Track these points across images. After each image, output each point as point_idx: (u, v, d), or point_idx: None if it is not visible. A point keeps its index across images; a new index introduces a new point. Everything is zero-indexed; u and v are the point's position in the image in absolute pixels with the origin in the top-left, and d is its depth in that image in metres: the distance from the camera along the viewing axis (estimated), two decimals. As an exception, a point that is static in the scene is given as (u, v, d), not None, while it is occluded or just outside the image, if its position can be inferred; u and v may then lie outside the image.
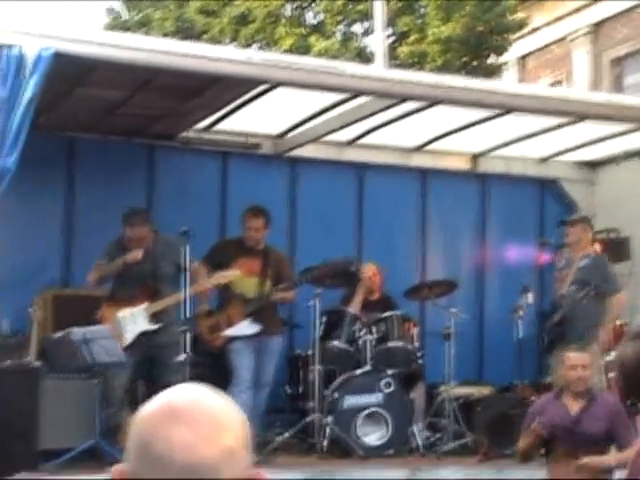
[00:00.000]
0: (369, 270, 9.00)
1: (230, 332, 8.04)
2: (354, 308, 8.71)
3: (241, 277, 7.99)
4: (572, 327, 8.39)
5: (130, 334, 7.43)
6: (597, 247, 9.40)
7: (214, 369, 7.98)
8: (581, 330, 8.35)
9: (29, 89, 6.19)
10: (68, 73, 6.92)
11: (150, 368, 7.63)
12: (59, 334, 7.19)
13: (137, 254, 7.56)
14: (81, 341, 6.93)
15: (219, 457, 1.40)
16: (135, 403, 7.62)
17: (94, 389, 6.97)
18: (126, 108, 8.18)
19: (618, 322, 9.02)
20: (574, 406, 5.93)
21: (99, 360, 6.96)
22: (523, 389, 8.88)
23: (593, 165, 10.67)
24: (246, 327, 8.04)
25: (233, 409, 1.47)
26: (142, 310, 7.55)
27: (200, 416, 1.41)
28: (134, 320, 7.51)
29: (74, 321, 7.27)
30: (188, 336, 7.28)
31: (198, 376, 7.26)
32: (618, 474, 6.75)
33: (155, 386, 7.44)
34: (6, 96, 6.17)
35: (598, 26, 22.03)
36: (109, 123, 8.57)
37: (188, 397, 1.46)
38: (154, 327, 7.54)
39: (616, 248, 9.66)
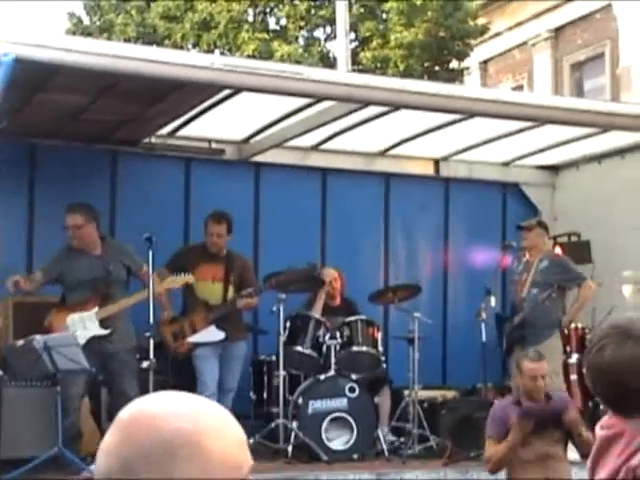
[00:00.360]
0: (330, 275, 8.99)
1: (195, 339, 8.01)
2: (316, 313, 8.69)
3: (196, 282, 7.96)
4: (533, 329, 8.45)
5: (80, 339, 7.33)
6: (558, 250, 9.46)
7: (177, 375, 7.94)
8: (541, 331, 8.42)
9: (-11, 95, 6.13)
10: (29, 78, 6.84)
11: (105, 376, 7.53)
12: (20, 342, 7.10)
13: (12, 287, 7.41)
14: (43, 348, 6.85)
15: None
16: (98, 412, 7.57)
17: (56, 397, 6.89)
18: (89, 114, 8.11)
19: (580, 325, 9.08)
20: None
21: (61, 367, 6.89)
22: (487, 392, 8.90)
23: (554, 169, 10.74)
24: (211, 334, 8.01)
25: (219, 409, 1.52)
26: (92, 314, 7.47)
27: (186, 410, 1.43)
28: (84, 325, 7.42)
29: (35, 329, 7.19)
30: (152, 342, 7.23)
31: (161, 382, 7.25)
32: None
33: (113, 394, 7.39)
34: (-35, 102, 6.10)
35: (559, 31, 22.23)
36: (71, 129, 8.49)
37: (174, 401, 1.46)
38: (105, 332, 7.44)
39: (577, 251, 9.72)
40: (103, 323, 7.47)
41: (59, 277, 7.62)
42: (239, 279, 8.23)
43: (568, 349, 8.98)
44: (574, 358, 8.85)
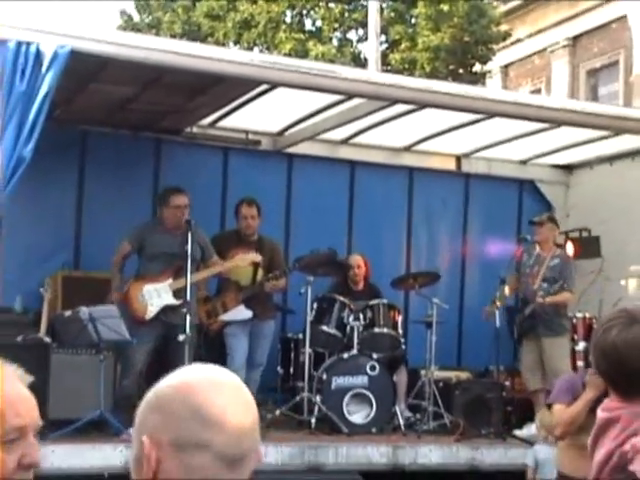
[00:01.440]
0: (355, 260, 9.00)
1: (225, 317, 8.07)
2: (354, 297, 8.70)
3: (246, 263, 7.99)
4: (543, 320, 8.39)
5: (154, 307, 7.40)
6: (570, 245, 9.42)
7: (210, 349, 7.98)
8: (551, 323, 8.37)
9: (45, 84, 6.17)
10: (82, 69, 6.89)
11: (165, 345, 7.55)
12: (68, 312, 7.18)
13: (114, 300, 7.48)
14: (88, 319, 6.92)
15: (254, 423, 1.50)
16: (150, 378, 7.62)
17: (99, 364, 6.95)
18: (136, 104, 8.15)
19: (587, 315, 9.02)
20: None
21: (104, 337, 6.95)
22: (499, 374, 8.89)
23: (568, 168, 10.68)
24: (240, 313, 8.06)
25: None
26: (166, 285, 7.52)
27: (237, 389, 1.51)
28: (159, 294, 7.48)
29: (82, 301, 7.26)
30: (188, 318, 7.26)
31: (196, 355, 7.31)
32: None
33: (169, 363, 7.42)
34: (24, 90, 6.14)
35: (576, 39, 22.06)
36: (119, 118, 8.54)
37: (215, 371, 1.53)
38: (177, 302, 7.44)
39: (587, 246, 9.68)
40: (176, 295, 7.49)
41: (140, 247, 7.65)
42: (269, 262, 8.25)
43: (575, 337, 8.93)
44: (581, 346, 8.79)
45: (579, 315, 8.95)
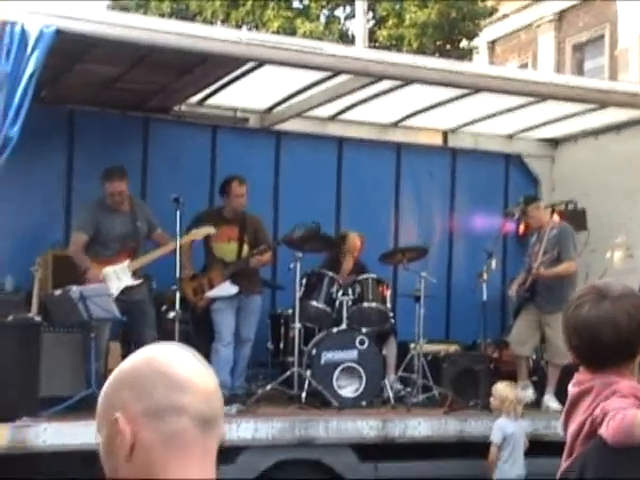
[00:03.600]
0: (356, 239, 8.99)
1: (211, 294, 8.05)
2: (343, 274, 8.68)
3: (214, 243, 8.01)
4: (546, 294, 8.30)
5: (114, 289, 7.37)
6: (556, 217, 9.40)
7: (198, 325, 7.98)
8: (556, 295, 8.15)
9: (31, 64, 6.09)
10: (69, 49, 6.81)
11: (129, 323, 7.56)
12: (58, 292, 7.14)
13: (97, 275, 7.43)
14: (78, 298, 6.89)
15: (218, 389, 1.53)
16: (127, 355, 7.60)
17: (90, 342, 6.93)
18: (123, 83, 8.08)
19: None
20: None
21: (95, 316, 6.92)
22: (486, 347, 8.91)
23: (554, 142, 10.65)
24: (226, 288, 8.04)
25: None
26: (125, 267, 7.50)
27: (197, 359, 1.53)
28: (117, 276, 7.45)
29: (72, 280, 7.23)
30: (178, 295, 7.26)
31: (184, 332, 7.30)
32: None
33: (137, 339, 7.43)
34: (9, 70, 6.06)
35: (562, 14, 22.00)
36: (107, 97, 8.47)
37: (175, 347, 1.55)
38: (137, 282, 7.49)
39: (573, 219, 9.66)
40: (133, 275, 7.51)
41: (95, 233, 7.62)
42: (253, 238, 8.25)
43: None
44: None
45: None
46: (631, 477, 2.07)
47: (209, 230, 7.87)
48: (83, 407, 6.59)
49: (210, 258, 8.20)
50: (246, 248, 8.20)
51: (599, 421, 2.28)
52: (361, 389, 7.96)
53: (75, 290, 6.92)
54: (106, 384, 1.52)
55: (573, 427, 2.44)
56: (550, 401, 8.13)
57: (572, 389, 2.51)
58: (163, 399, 1.45)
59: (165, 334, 7.21)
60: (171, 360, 1.49)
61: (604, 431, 2.21)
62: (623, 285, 2.54)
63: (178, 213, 7.35)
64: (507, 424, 7.05)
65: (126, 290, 7.45)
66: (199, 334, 7.70)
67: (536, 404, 8.14)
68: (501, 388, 7.26)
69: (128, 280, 7.47)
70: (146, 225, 7.72)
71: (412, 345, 8.55)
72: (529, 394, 7.93)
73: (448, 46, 18.74)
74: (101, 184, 7.64)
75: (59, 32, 6.18)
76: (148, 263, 7.64)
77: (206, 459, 1.48)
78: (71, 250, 7.64)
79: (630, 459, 2.10)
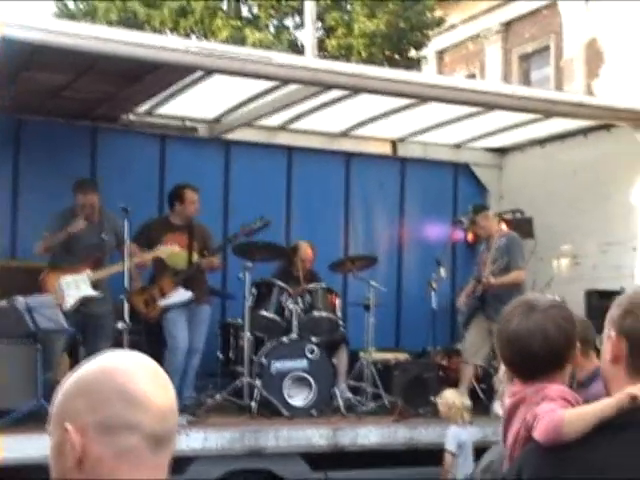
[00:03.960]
0: (307, 249, 8.99)
1: (165, 302, 7.97)
2: (295, 284, 8.64)
3: (176, 252, 7.94)
4: (495, 304, 8.36)
5: (72, 298, 7.29)
6: (504, 226, 9.49)
7: (149, 336, 7.91)
8: (502, 305, 8.25)
9: (-24, 72, 6.02)
10: (14, 58, 6.72)
11: (84, 335, 7.48)
12: (3, 303, 7.04)
13: (81, 224, 7.44)
14: (25, 309, 6.79)
15: (174, 406, 1.51)
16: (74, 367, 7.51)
17: (37, 354, 6.84)
18: (70, 92, 8.00)
19: (557, 298, 8.99)
20: None
21: (42, 327, 6.83)
22: (436, 355, 8.96)
23: (501, 151, 10.76)
24: (180, 295, 7.99)
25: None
26: (85, 277, 7.42)
27: (155, 372, 1.51)
28: (77, 285, 7.37)
29: (19, 291, 7.12)
30: (126, 306, 7.20)
31: (134, 342, 7.22)
32: None
33: (89, 352, 7.35)
34: (-47, 78, 5.99)
35: (508, 25, 22.25)
36: (54, 106, 8.38)
37: (133, 356, 1.53)
38: (95, 293, 7.42)
39: (521, 227, 9.75)
40: (93, 286, 7.43)
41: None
42: (201, 245, 8.22)
43: None
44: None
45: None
46: (566, 477, 2.12)
47: (174, 249, 7.83)
48: (31, 419, 6.50)
49: (159, 267, 8.12)
50: (195, 256, 8.16)
51: (531, 425, 2.35)
52: (311, 398, 7.96)
53: (21, 301, 6.83)
54: (63, 388, 1.50)
55: (510, 437, 2.52)
56: (498, 408, 8.19)
57: (507, 400, 2.60)
58: (116, 416, 1.43)
59: (114, 346, 7.14)
60: (130, 373, 1.47)
61: (535, 433, 2.28)
62: (551, 298, 2.65)
63: (126, 222, 7.29)
64: (460, 431, 7.09)
65: (86, 301, 7.38)
66: (151, 345, 7.63)
67: (484, 411, 8.20)
68: (448, 395, 7.31)
69: (87, 290, 7.40)
70: (114, 238, 7.64)
71: (362, 353, 8.57)
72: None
73: (397, 56, 18.85)
74: (73, 194, 7.63)
75: (4, 40, 6.10)
76: (108, 275, 7.56)
77: (157, 474, 1.47)
78: (38, 248, 7.54)
79: (562, 457, 2.15)
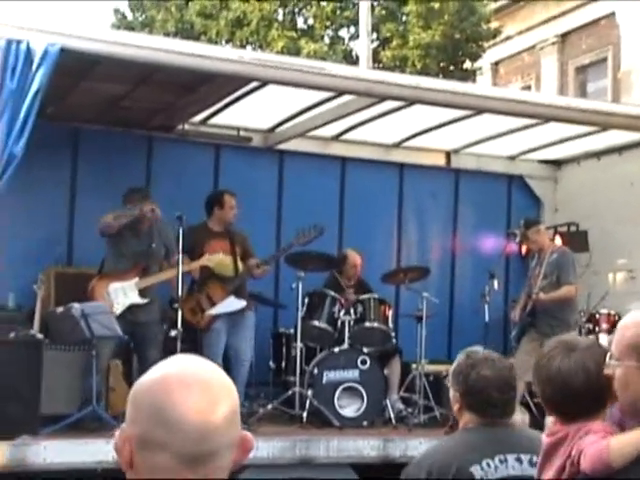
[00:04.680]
0: (356, 257, 8.98)
1: (216, 310, 7.93)
2: (345, 293, 8.62)
3: (224, 260, 7.96)
4: (546, 319, 8.28)
5: (120, 305, 7.35)
6: (558, 239, 9.40)
7: (195, 344, 7.89)
8: (555, 319, 8.17)
9: (36, 82, 6.12)
10: (73, 67, 6.84)
11: (134, 343, 7.53)
12: (60, 309, 7.13)
13: (150, 206, 7.44)
14: (80, 316, 6.87)
15: (225, 419, 1.45)
16: (129, 375, 7.58)
17: (92, 360, 6.91)
18: (127, 101, 8.11)
19: (612, 312, 8.90)
20: None
21: (96, 334, 6.90)
22: (488, 368, 8.85)
23: (557, 164, 10.66)
24: (232, 304, 7.95)
25: (225, 377, 1.52)
26: (132, 284, 7.48)
27: (206, 384, 1.46)
28: (125, 292, 7.42)
29: (74, 297, 7.21)
30: (179, 313, 7.24)
31: (182, 351, 7.25)
32: None
33: (140, 359, 7.41)
34: (14, 88, 6.09)
35: (565, 36, 22.03)
36: (111, 115, 8.50)
37: (190, 367, 1.50)
38: (143, 301, 7.45)
39: (575, 240, 9.66)
40: (141, 293, 7.48)
41: (116, 239, 7.53)
42: (242, 251, 8.22)
43: (597, 329, 8.84)
44: (603, 339, 8.64)
45: (603, 311, 8.88)
46: None
47: (222, 257, 7.87)
48: (83, 425, 6.57)
49: (205, 275, 8.04)
50: (240, 262, 8.16)
51: (577, 460, 2.37)
52: (362, 409, 7.94)
53: (77, 308, 6.91)
54: (132, 388, 1.53)
55: (550, 474, 2.53)
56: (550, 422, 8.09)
57: (546, 439, 2.62)
58: (150, 433, 1.44)
59: (167, 354, 7.17)
60: (176, 389, 1.44)
61: (583, 465, 2.29)
62: (589, 338, 2.70)
63: (181, 230, 7.34)
64: None
65: (133, 309, 7.43)
66: (195, 353, 7.63)
67: (537, 426, 8.08)
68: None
69: (135, 298, 7.44)
70: (163, 249, 7.67)
71: (414, 365, 8.53)
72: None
73: (452, 67, 18.79)
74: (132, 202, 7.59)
75: (63, 50, 6.21)
76: (157, 283, 7.60)
77: None
78: (106, 216, 7.47)
79: None
